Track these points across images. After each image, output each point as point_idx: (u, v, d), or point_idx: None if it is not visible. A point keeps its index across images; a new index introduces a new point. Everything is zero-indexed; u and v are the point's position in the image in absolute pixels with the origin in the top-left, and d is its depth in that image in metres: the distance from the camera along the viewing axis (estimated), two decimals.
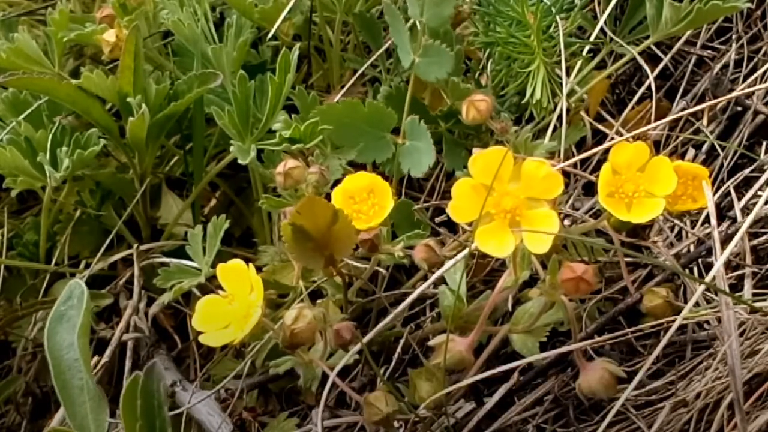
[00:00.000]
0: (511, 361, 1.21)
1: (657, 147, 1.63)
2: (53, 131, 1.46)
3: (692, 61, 1.76)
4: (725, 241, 1.25)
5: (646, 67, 1.59)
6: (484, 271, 1.45)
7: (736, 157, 1.60)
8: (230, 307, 1.16)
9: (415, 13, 1.43)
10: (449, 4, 1.42)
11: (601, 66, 1.58)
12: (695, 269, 1.44)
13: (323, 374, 1.22)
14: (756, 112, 1.62)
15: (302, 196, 1.28)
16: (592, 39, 1.53)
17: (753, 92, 1.63)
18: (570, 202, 1.54)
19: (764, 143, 1.60)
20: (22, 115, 1.51)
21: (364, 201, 1.24)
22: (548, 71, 1.43)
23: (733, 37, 1.75)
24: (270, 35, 1.57)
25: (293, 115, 1.45)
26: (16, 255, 1.61)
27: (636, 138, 1.30)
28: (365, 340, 1.20)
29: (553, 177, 1.10)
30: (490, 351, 1.23)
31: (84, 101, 1.46)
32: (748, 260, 1.39)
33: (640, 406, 1.31)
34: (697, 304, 1.31)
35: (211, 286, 1.34)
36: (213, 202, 1.71)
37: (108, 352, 1.43)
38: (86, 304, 1.10)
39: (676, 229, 1.52)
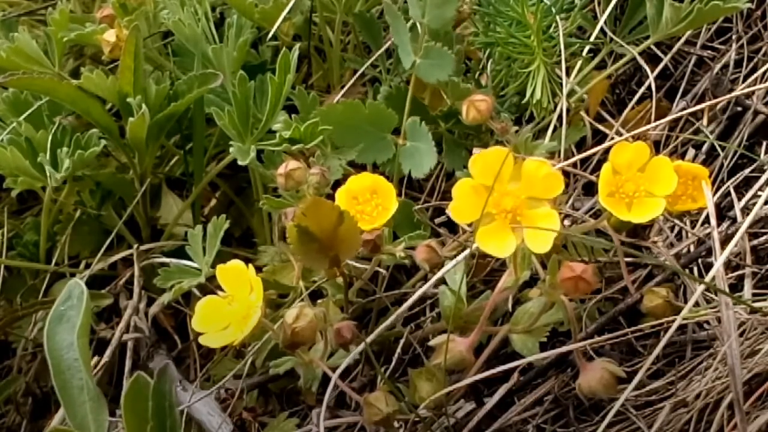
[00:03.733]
0: (511, 361, 1.21)
1: (657, 147, 1.63)
2: (53, 131, 1.46)
3: (692, 61, 1.75)
4: (725, 241, 1.25)
5: (646, 67, 1.59)
6: (485, 271, 1.45)
7: (736, 157, 1.60)
8: (230, 307, 1.15)
9: (417, 15, 1.43)
10: (451, 6, 1.42)
11: (601, 66, 1.58)
12: (695, 269, 1.44)
13: (324, 374, 1.22)
14: (756, 112, 1.62)
15: (303, 197, 1.28)
16: (592, 39, 1.53)
17: (753, 92, 1.63)
18: (570, 202, 1.54)
19: (764, 143, 1.60)
20: (23, 116, 1.51)
21: (368, 202, 1.24)
22: (548, 71, 1.43)
23: (733, 37, 1.75)
24: (270, 35, 1.57)
25: (293, 116, 1.45)
26: (16, 255, 1.61)
27: (636, 138, 1.30)
28: (368, 340, 1.20)
29: (553, 177, 1.10)
30: (490, 351, 1.23)
31: (84, 101, 1.46)
32: (748, 260, 1.39)
33: (640, 406, 1.31)
34: (697, 304, 1.31)
35: (211, 286, 1.34)
36: (213, 202, 1.71)
37: (108, 352, 1.43)
38: (86, 304, 1.10)
39: (676, 229, 1.52)
